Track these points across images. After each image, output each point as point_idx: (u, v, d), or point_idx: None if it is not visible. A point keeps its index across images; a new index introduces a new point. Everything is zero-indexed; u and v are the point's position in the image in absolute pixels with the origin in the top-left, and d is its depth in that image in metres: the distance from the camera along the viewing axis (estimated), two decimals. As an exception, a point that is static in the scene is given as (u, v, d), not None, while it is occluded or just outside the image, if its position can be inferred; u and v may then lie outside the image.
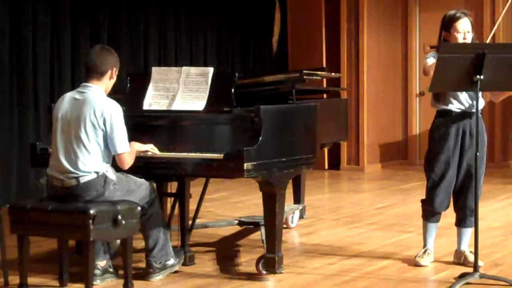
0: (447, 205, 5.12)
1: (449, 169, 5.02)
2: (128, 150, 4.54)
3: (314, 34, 10.64)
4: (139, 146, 4.75)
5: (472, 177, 4.94)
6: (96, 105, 4.47)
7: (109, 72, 4.60)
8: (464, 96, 4.99)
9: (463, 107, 5.00)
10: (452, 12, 5.01)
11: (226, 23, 10.23)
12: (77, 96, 4.57)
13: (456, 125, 5.01)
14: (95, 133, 4.45)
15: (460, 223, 5.15)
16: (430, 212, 5.16)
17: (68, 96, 4.64)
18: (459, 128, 5.01)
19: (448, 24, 4.97)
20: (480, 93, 4.92)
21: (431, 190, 5.10)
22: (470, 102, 4.98)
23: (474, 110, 4.94)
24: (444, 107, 5.02)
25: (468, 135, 5.00)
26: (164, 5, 9.37)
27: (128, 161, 4.56)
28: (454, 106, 5.00)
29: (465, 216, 5.10)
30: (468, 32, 4.94)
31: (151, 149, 4.81)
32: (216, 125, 4.96)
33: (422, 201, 5.21)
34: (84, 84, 4.60)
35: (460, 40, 4.92)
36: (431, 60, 4.99)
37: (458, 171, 5.04)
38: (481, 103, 5.02)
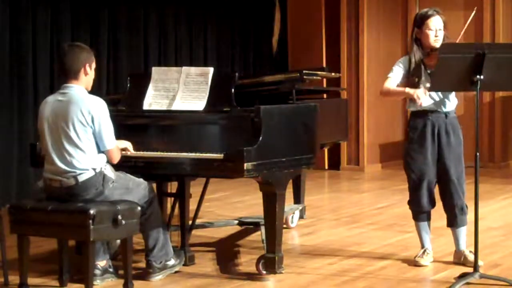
0: (433, 203, 5.16)
1: (428, 168, 5.06)
2: (116, 144, 4.57)
3: (314, 34, 10.64)
4: (118, 143, 4.72)
5: (451, 177, 5.02)
6: (82, 104, 4.47)
7: (82, 69, 4.56)
8: (438, 95, 5.02)
9: (437, 107, 5.04)
10: (425, 10, 5.08)
11: (226, 23, 10.22)
12: (60, 98, 4.56)
13: (431, 124, 5.06)
14: (85, 130, 4.46)
15: (452, 223, 5.17)
16: (419, 212, 5.19)
17: (51, 99, 4.63)
18: (434, 127, 5.06)
19: (420, 21, 5.03)
20: (453, 93, 4.99)
21: (414, 190, 5.14)
22: (444, 101, 5.04)
23: (448, 110, 5.07)
24: (418, 107, 5.04)
25: (444, 134, 5.06)
26: (164, 5, 9.37)
27: (117, 156, 4.59)
28: (429, 106, 5.03)
29: (455, 215, 5.11)
30: (439, 29, 4.99)
31: (128, 146, 4.82)
32: (216, 125, 4.96)
33: (409, 202, 5.23)
34: (65, 85, 4.58)
35: (432, 37, 4.97)
36: (393, 78, 5.06)
37: (437, 171, 5.07)
38: (454, 103, 5.08)
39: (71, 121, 4.45)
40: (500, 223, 6.69)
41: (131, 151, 4.83)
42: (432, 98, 5.03)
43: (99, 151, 4.52)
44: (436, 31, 4.98)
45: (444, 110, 5.06)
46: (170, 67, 5.38)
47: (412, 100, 5.00)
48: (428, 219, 5.21)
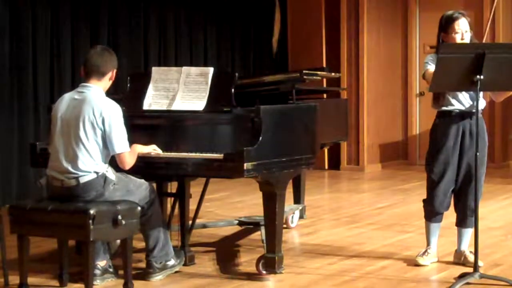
0: (447, 206, 5.13)
1: (448, 169, 5.03)
2: (128, 149, 4.54)
3: (314, 34, 10.64)
4: (141, 149, 4.73)
5: (472, 178, 4.95)
6: (95, 104, 4.48)
7: (110, 73, 4.62)
8: (464, 96, 4.99)
9: (463, 107, 5.00)
10: (450, 12, 5.02)
11: (226, 23, 10.23)
12: (76, 96, 4.58)
13: (456, 125, 5.01)
14: (94, 132, 4.46)
15: (461, 223, 5.16)
16: (431, 212, 5.16)
17: (67, 96, 4.64)
18: (459, 128, 5.01)
19: (445, 25, 4.98)
20: (481, 93, 4.93)
21: (431, 190, 5.11)
22: (470, 102, 4.98)
23: (474, 110, 4.95)
24: (444, 107, 5.03)
25: (468, 135, 5.00)
26: (164, 5, 9.38)
27: (128, 161, 4.56)
28: (454, 107, 5.00)
29: (466, 216, 5.10)
30: (466, 32, 4.95)
31: (153, 150, 4.81)
32: (216, 125, 4.96)
33: (424, 200, 5.21)
34: (84, 84, 4.61)
35: (458, 40, 4.92)
36: (432, 67, 4.97)
37: (458, 172, 5.05)
38: (482, 104, 5.02)
39: (82, 121, 4.45)
40: (500, 223, 6.69)
41: (159, 152, 4.82)
42: (458, 99, 4.99)
43: (108, 155, 4.51)
44: (462, 34, 4.93)
45: (470, 111, 4.97)
46: (170, 67, 5.37)
47: (436, 99, 4.98)
48: (440, 220, 5.18)
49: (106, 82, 4.63)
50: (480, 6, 10.23)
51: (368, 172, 10.32)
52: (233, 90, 4.94)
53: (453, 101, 4.99)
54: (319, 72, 6.16)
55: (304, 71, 5.52)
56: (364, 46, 10.33)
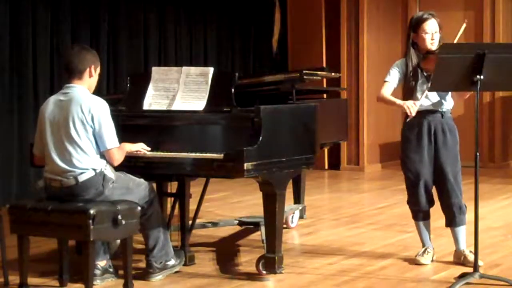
0: (431, 201, 5.18)
1: (424, 167, 5.09)
2: (117, 145, 4.55)
3: (314, 34, 10.64)
4: (129, 147, 4.74)
5: (446, 176, 5.05)
6: (83, 102, 4.48)
7: (87, 70, 4.59)
8: (433, 95, 5.03)
9: (432, 107, 5.06)
10: (420, 13, 5.14)
11: (226, 23, 10.23)
12: (62, 98, 4.58)
13: (427, 124, 5.08)
14: (85, 130, 4.46)
15: (450, 223, 5.18)
16: (417, 212, 5.22)
17: (53, 98, 4.65)
18: (431, 127, 5.08)
19: (416, 25, 5.05)
20: (449, 93, 5.00)
21: (412, 189, 5.17)
22: (440, 101, 5.06)
23: (445, 110, 5.09)
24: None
25: (440, 133, 5.08)
26: (164, 5, 9.38)
27: (117, 157, 4.56)
28: (424, 106, 5.04)
29: (453, 215, 5.13)
30: (435, 32, 5.01)
31: (141, 148, 4.81)
32: (216, 125, 4.96)
33: (408, 202, 5.25)
34: (67, 85, 4.61)
35: (428, 40, 5.00)
36: (392, 80, 5.03)
37: (434, 171, 5.09)
38: (450, 103, 5.10)
39: (72, 120, 4.46)
40: (500, 223, 6.69)
41: (146, 150, 4.83)
42: (429, 98, 5.04)
43: (99, 152, 4.52)
44: (432, 34, 4.99)
45: (440, 110, 5.08)
46: (170, 67, 5.38)
47: (403, 110, 5.03)
48: (427, 218, 5.23)
49: (87, 79, 4.60)
50: (480, 6, 10.23)
51: (368, 172, 10.32)
52: (233, 90, 4.94)
53: (423, 100, 5.02)
54: (319, 72, 6.16)
55: (304, 71, 5.52)
56: (364, 46, 10.33)
